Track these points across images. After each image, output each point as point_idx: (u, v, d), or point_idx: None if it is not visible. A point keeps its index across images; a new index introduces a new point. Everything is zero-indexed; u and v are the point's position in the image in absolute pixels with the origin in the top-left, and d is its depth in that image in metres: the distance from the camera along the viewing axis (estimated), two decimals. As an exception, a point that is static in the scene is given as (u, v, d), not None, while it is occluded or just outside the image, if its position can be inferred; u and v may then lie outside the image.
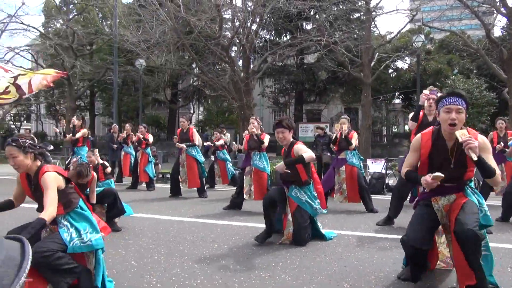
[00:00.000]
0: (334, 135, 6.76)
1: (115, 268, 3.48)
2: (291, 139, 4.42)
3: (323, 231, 4.56)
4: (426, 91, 4.84)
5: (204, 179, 8.18)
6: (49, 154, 2.95)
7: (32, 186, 2.81)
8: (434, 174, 2.70)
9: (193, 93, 26.08)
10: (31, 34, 22.21)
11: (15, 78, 4.68)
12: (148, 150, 9.26)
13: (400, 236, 3.02)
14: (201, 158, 7.84)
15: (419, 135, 3.04)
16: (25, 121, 31.00)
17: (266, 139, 6.53)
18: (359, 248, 4.13)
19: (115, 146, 10.59)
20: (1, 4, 48.95)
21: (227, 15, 17.26)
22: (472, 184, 3.01)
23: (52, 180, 2.67)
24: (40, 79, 4.87)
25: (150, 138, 9.18)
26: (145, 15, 15.06)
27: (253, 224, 5.31)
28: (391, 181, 9.51)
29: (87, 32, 21.67)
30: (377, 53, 17.03)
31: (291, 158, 4.27)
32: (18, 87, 4.70)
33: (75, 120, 8.77)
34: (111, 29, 19.58)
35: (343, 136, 6.42)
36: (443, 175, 2.69)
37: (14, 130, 29.98)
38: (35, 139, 4.00)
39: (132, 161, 9.68)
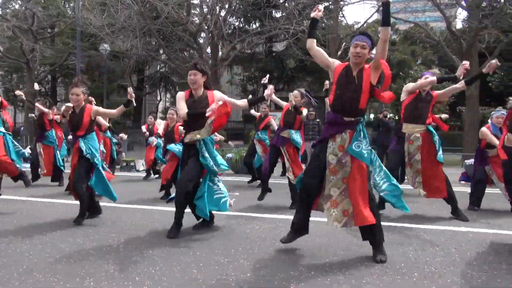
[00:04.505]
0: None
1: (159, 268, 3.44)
2: (203, 86, 4.38)
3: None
4: None
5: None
6: None
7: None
8: None
9: (160, 80, 25.63)
10: (-14, 15, 21.05)
11: None
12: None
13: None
14: None
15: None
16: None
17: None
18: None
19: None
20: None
21: (195, 0, 17.00)
22: None
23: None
24: None
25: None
26: (109, -2, 14.61)
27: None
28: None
29: (48, 14, 20.74)
30: (344, 43, 17.25)
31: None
32: None
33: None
34: (74, 12, 18.83)
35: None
36: None
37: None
38: None
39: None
